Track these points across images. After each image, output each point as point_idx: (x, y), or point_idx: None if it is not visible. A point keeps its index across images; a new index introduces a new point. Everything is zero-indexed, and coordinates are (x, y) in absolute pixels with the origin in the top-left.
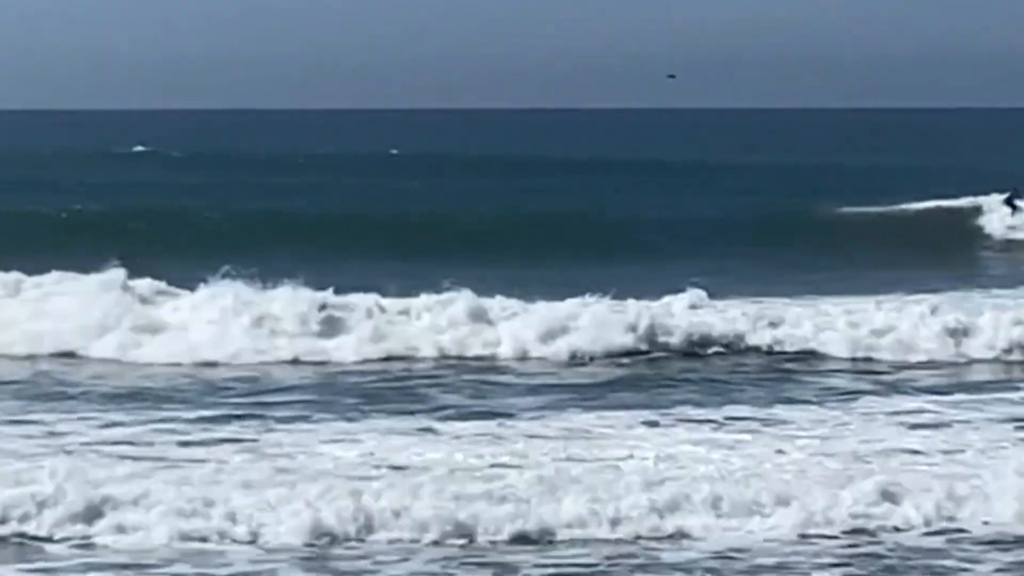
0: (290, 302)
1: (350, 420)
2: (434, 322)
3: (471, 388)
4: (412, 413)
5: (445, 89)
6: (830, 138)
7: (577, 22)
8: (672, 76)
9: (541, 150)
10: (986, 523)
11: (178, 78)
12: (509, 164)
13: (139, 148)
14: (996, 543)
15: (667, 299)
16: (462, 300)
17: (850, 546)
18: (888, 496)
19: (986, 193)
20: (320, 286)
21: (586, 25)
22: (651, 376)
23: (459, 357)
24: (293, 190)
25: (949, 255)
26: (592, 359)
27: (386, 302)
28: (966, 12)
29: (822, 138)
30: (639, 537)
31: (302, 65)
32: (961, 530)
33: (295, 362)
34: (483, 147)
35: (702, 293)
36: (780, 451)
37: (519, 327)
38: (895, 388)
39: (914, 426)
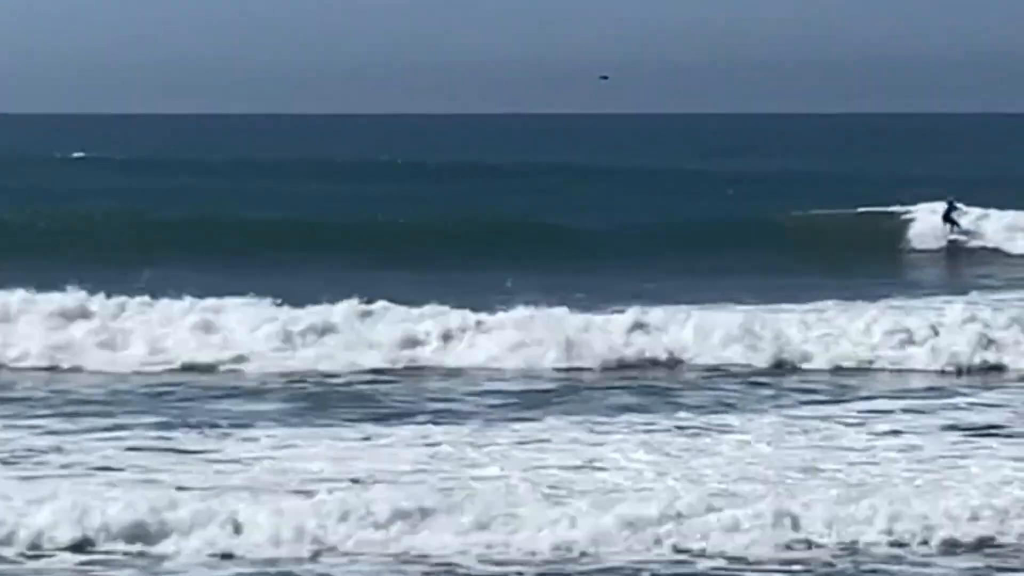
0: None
1: (295, 427)
2: (371, 331)
3: (419, 395)
4: (358, 420)
5: (422, 93)
6: (814, 143)
7: (559, 24)
8: (604, 77)
9: (521, 155)
10: (937, 529)
11: (153, 81)
12: (469, 169)
13: (79, 154)
14: (948, 548)
15: (610, 315)
16: (390, 311)
17: (803, 550)
18: (838, 503)
19: (940, 199)
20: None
21: (571, 27)
22: (597, 385)
23: (392, 368)
24: (212, 194)
25: (885, 262)
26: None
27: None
28: (964, 13)
29: (807, 143)
30: (584, 551)
31: (268, 69)
32: (912, 537)
33: (233, 370)
34: (449, 153)
35: (645, 312)
36: (730, 459)
37: (459, 335)
38: (841, 395)
39: (867, 434)
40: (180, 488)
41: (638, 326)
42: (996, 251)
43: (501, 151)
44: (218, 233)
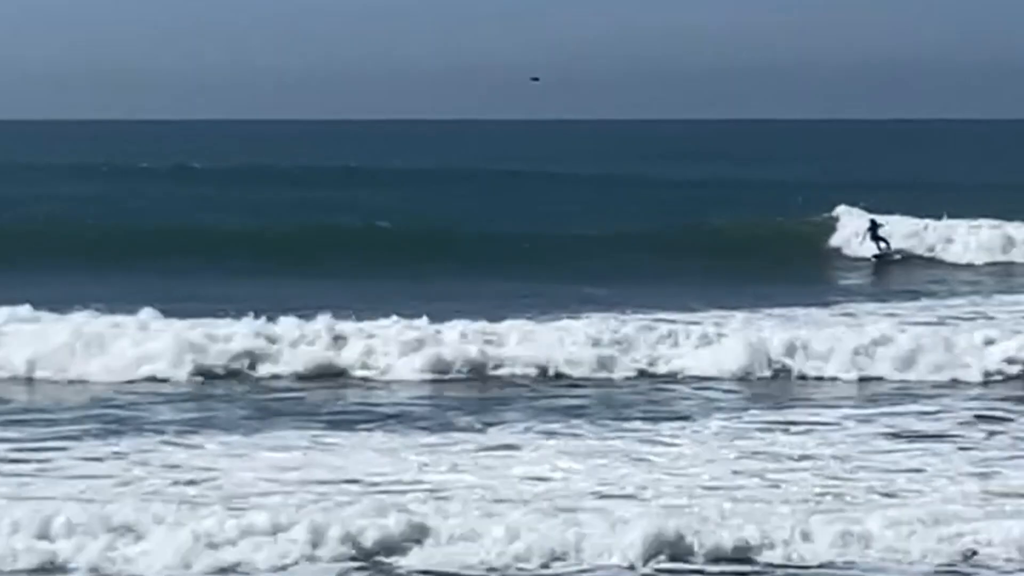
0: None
1: (243, 435)
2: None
3: (357, 401)
4: (298, 428)
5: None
6: (792, 149)
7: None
8: (535, 79)
9: (485, 162)
10: (881, 538)
11: (144, 86)
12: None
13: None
14: (894, 555)
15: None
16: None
17: (750, 558)
18: (787, 510)
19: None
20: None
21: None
22: (545, 393)
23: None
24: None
25: (829, 270)
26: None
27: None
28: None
29: (785, 149)
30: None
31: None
32: (860, 545)
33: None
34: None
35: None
36: (679, 468)
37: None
38: (780, 404)
39: (815, 441)
40: (124, 495)
41: (597, 333)
42: (932, 259)
43: (467, 157)
44: (140, 241)
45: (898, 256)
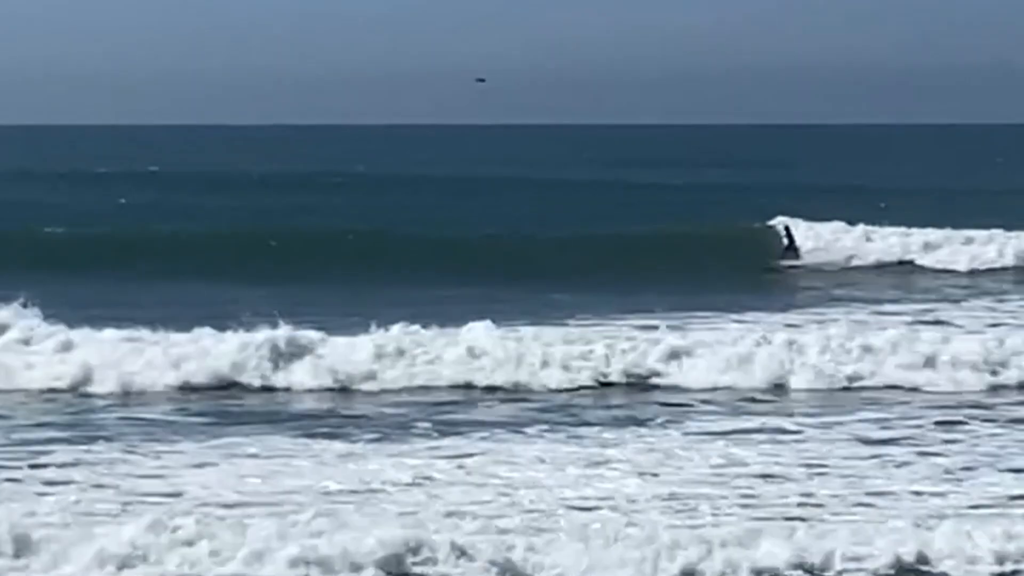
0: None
1: (201, 445)
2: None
3: (316, 409)
4: (259, 436)
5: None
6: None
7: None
8: (481, 80)
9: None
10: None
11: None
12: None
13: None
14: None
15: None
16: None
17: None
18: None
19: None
20: None
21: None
22: (492, 403)
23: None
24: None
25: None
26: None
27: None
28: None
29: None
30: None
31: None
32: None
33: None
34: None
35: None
36: (644, 479)
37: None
38: (738, 411)
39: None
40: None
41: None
42: (906, 265)
43: (454, 161)
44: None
45: (800, 264)
